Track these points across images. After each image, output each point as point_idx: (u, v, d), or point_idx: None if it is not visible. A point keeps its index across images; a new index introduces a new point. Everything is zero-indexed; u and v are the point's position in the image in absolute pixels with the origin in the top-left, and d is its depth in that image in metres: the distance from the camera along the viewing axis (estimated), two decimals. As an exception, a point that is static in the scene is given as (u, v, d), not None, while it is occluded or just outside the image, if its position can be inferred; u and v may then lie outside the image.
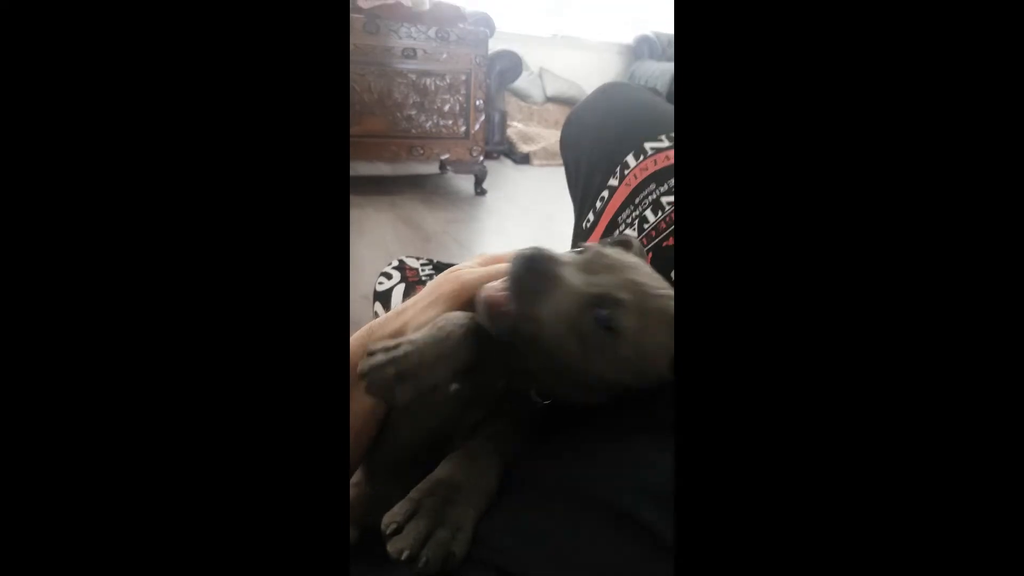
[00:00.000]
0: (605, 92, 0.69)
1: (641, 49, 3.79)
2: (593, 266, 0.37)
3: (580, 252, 0.39)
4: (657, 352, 0.35)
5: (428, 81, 2.10)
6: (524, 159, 3.11)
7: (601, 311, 0.34)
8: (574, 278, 0.35)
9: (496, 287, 0.37)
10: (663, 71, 3.33)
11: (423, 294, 0.44)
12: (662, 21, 3.94)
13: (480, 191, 2.35)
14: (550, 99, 3.66)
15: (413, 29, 2.00)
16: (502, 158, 3.18)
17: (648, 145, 0.56)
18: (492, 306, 0.36)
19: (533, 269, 0.34)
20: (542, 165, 2.98)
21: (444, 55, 2.09)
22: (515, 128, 3.29)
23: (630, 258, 0.39)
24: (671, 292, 0.37)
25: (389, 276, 0.94)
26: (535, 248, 0.35)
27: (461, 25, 2.12)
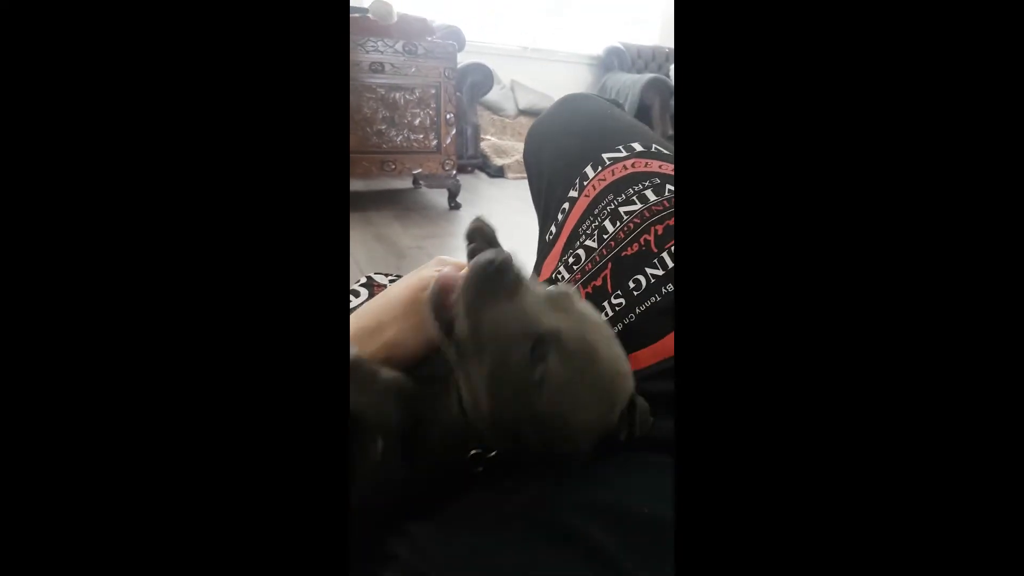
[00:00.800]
0: (565, 104, 0.69)
1: (611, 61, 3.84)
2: (556, 303, 0.34)
3: (554, 285, 0.36)
4: (574, 421, 0.32)
5: (397, 95, 2.10)
6: (498, 172, 3.12)
7: (538, 349, 0.31)
8: (532, 303, 0.32)
9: (454, 273, 0.35)
10: (632, 82, 3.38)
11: (396, 306, 0.41)
12: (631, 33, 4.01)
13: (454, 205, 2.34)
14: (522, 112, 3.69)
15: (380, 43, 2.00)
16: (476, 172, 3.18)
17: (606, 156, 0.55)
18: (443, 290, 0.34)
19: (499, 271, 0.32)
20: (516, 178, 2.99)
21: (412, 69, 2.08)
22: (489, 141, 3.30)
23: (597, 316, 0.36)
24: (617, 366, 0.34)
25: (357, 294, 0.92)
26: (509, 254, 0.33)
27: (429, 39, 2.12)
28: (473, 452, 0.35)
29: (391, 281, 0.95)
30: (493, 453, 0.35)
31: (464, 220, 2.22)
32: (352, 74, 1.99)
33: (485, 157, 3.20)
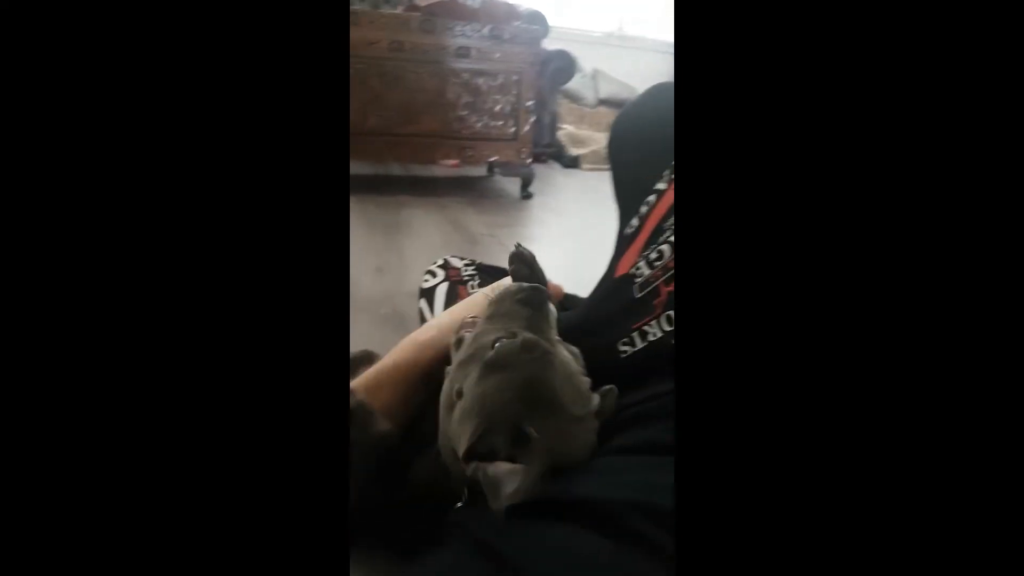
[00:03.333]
0: (657, 92, 0.66)
1: (700, 51, 3.67)
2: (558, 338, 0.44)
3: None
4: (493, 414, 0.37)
5: (480, 81, 2.11)
6: (573, 162, 3.08)
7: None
8: (535, 319, 0.42)
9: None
10: (722, 73, 3.21)
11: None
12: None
13: (526, 195, 2.34)
14: (602, 102, 3.61)
15: (467, 28, 2.01)
16: (550, 161, 3.16)
17: (700, 147, 0.53)
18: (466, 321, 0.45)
19: (527, 296, 0.43)
20: (591, 169, 2.95)
21: (497, 54, 2.09)
22: (566, 131, 3.27)
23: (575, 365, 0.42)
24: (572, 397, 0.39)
25: (434, 274, 0.95)
26: (539, 286, 0.43)
27: (515, 23, 2.11)
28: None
29: (466, 265, 0.97)
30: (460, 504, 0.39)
31: (534, 210, 2.22)
32: (439, 58, 2.02)
33: (560, 146, 3.17)
